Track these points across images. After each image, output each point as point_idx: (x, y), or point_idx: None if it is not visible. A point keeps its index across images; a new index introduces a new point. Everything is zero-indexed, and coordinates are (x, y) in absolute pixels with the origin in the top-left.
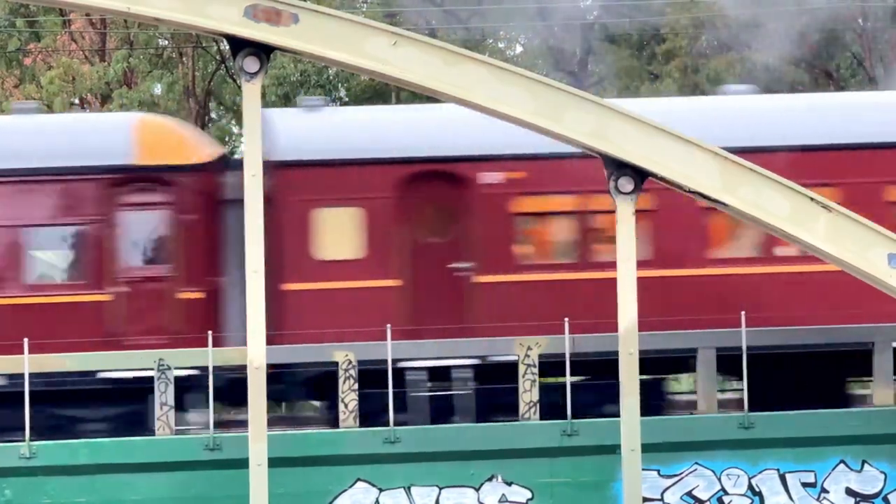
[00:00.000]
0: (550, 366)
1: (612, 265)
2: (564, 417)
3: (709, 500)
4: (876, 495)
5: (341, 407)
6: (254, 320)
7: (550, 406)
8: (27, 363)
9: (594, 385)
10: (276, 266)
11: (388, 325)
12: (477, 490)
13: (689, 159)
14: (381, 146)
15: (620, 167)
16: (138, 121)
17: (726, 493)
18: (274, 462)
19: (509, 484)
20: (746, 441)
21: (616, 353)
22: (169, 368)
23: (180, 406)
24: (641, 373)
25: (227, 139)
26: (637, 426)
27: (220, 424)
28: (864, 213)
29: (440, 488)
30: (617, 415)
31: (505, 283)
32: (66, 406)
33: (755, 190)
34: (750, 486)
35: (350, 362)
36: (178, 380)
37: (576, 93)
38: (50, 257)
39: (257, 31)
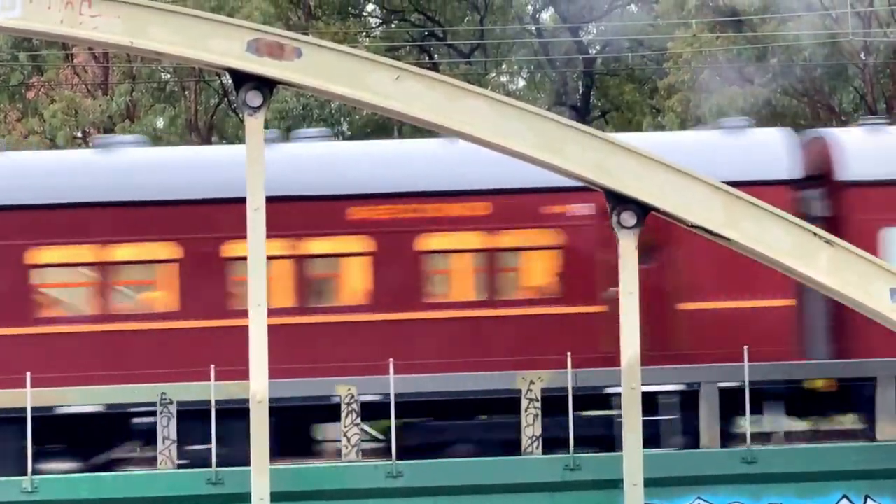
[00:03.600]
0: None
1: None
2: None
3: None
4: None
5: (343, 441)
6: (257, 354)
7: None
8: (29, 397)
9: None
10: None
11: (391, 360)
12: None
13: (692, 193)
14: None
15: (623, 201)
16: None
17: None
18: (276, 496)
19: None
20: (749, 476)
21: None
22: (171, 402)
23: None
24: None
25: None
26: (639, 460)
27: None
28: None
29: None
30: None
31: None
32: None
33: (758, 224)
34: None
35: (352, 396)
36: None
37: (577, 127)
38: None
39: (260, 66)
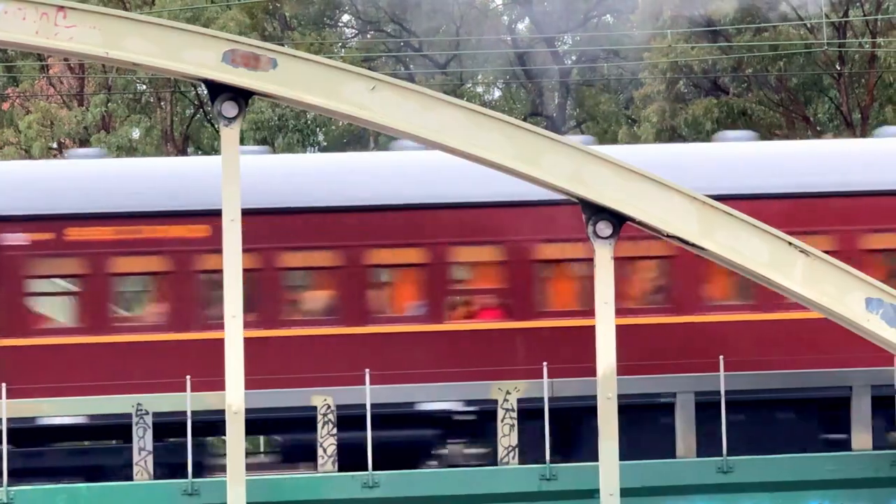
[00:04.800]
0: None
1: None
2: None
3: None
4: None
5: (319, 451)
6: (232, 365)
7: None
8: (4, 408)
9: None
10: None
11: (367, 370)
12: None
13: (667, 204)
14: None
15: (598, 211)
16: None
17: None
18: None
19: None
20: (725, 485)
21: None
22: (147, 413)
23: None
24: None
25: None
26: (616, 470)
27: None
28: None
29: None
30: None
31: None
32: None
33: (733, 234)
34: None
35: (328, 406)
36: None
37: (553, 137)
38: None
39: (235, 76)
